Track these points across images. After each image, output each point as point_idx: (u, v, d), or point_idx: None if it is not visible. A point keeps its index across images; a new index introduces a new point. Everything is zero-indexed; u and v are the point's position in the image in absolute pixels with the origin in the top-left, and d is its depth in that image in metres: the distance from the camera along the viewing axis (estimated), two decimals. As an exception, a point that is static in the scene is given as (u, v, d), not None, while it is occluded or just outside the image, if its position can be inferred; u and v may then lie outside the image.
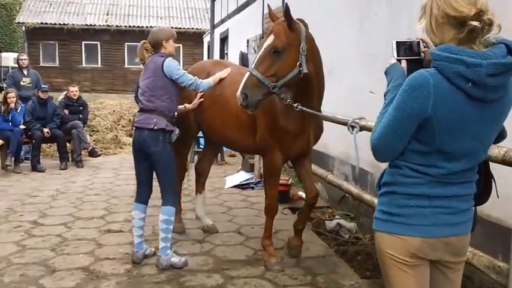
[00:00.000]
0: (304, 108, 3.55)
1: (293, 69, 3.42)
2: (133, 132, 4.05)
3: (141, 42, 4.04)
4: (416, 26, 1.78)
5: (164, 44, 3.92)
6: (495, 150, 2.47)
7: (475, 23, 1.59)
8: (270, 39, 3.41)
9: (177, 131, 4.02)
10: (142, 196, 4.07)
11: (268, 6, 3.74)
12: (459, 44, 1.64)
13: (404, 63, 1.85)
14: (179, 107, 4.14)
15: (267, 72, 3.37)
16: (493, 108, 1.68)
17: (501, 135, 1.85)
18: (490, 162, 2.08)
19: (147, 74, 3.91)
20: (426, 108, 1.64)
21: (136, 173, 4.09)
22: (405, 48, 1.84)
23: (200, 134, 5.08)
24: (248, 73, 3.40)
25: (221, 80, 4.16)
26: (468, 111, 1.65)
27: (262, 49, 3.42)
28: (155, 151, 3.84)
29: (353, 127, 3.02)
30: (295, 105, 3.54)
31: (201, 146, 5.46)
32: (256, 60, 3.42)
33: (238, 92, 3.37)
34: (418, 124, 1.68)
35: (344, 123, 3.49)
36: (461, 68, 1.59)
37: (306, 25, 3.58)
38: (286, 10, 3.38)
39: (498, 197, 1.99)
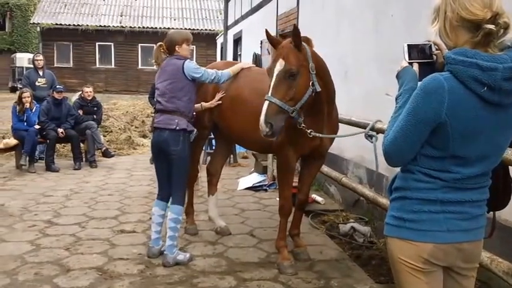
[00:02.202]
0: (317, 134, 3.58)
1: (307, 90, 3.44)
2: (153, 132, 4.12)
3: (157, 44, 4.12)
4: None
5: (177, 48, 4.00)
6: (515, 155, 2.43)
7: (491, 26, 1.57)
8: (281, 64, 3.39)
9: (195, 130, 4.09)
10: (163, 193, 4.17)
11: (266, 31, 3.66)
12: (474, 47, 1.61)
13: (416, 67, 1.82)
14: (195, 105, 4.22)
15: (285, 97, 3.36)
16: (508, 113, 1.65)
17: None
18: (510, 167, 2.04)
19: (165, 77, 3.99)
20: (440, 114, 1.61)
21: (157, 171, 4.21)
22: (417, 51, 1.82)
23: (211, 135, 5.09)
24: (267, 102, 3.32)
25: (240, 71, 4.25)
26: (483, 116, 1.63)
27: (275, 75, 3.38)
28: (175, 150, 3.92)
29: (371, 136, 2.97)
30: (309, 131, 3.56)
31: (214, 148, 5.46)
32: (271, 87, 3.37)
33: (262, 123, 3.28)
34: (432, 129, 1.66)
35: (363, 126, 3.46)
36: (477, 72, 1.57)
37: (308, 42, 3.60)
38: (296, 31, 3.37)
39: (518, 202, 1.96)
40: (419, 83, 1.71)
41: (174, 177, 4.03)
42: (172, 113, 3.94)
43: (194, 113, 4.12)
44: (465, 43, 1.64)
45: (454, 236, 1.74)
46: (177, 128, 3.90)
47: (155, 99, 4.19)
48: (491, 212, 1.95)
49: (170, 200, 4.12)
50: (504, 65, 1.56)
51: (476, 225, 1.78)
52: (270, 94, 3.36)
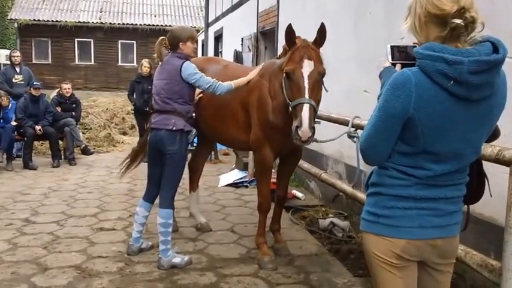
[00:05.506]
0: (320, 140, 3.58)
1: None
2: (149, 132, 4.02)
3: (160, 38, 3.97)
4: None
5: (181, 46, 3.87)
6: (488, 149, 2.48)
7: (458, 21, 1.57)
8: (310, 65, 3.31)
9: (194, 131, 4.02)
10: (151, 195, 4.10)
11: (290, 25, 3.44)
12: (443, 42, 1.62)
13: (398, 67, 1.82)
14: None
15: (316, 98, 3.33)
16: (480, 108, 1.65)
17: (494, 134, 1.83)
18: (483, 161, 2.08)
19: (163, 75, 3.87)
20: (408, 108, 1.62)
21: (149, 172, 4.09)
22: (400, 52, 1.82)
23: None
24: (308, 105, 3.21)
25: (248, 82, 4.00)
26: (453, 111, 1.63)
27: (306, 77, 3.29)
28: (170, 150, 3.81)
29: (353, 137, 2.99)
30: (315, 138, 3.52)
31: (195, 144, 5.45)
32: (307, 90, 3.26)
33: (307, 128, 3.15)
34: (403, 124, 1.66)
35: (342, 122, 3.46)
36: (443, 65, 1.57)
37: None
38: (323, 28, 3.29)
39: (491, 195, 2.00)
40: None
41: (167, 177, 3.88)
42: (170, 113, 3.82)
43: (193, 114, 3.97)
44: (435, 39, 1.64)
45: (426, 232, 1.75)
46: (174, 128, 3.79)
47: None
48: (466, 206, 1.98)
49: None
50: (469, 59, 1.56)
51: (451, 221, 1.79)
52: (307, 97, 3.21)
